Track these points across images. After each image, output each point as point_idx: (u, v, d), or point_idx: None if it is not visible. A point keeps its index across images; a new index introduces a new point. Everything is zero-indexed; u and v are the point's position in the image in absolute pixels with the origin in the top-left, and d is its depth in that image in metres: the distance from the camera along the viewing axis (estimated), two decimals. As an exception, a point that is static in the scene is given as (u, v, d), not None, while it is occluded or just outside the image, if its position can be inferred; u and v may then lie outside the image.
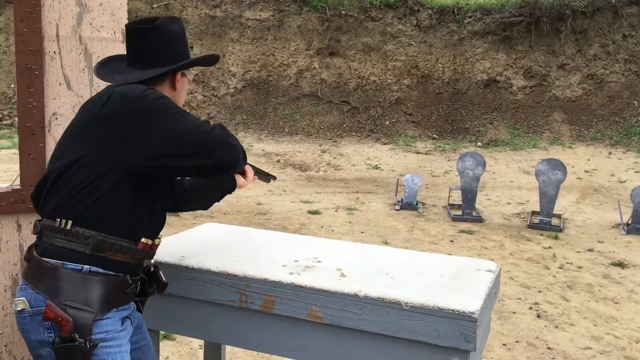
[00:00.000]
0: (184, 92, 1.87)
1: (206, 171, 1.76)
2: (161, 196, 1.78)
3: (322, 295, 1.81)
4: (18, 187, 2.14)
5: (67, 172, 1.61)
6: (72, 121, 1.72)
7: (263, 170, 2.20)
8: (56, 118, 2.15)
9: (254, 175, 2.06)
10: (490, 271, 2.07)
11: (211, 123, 1.70)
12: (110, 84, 1.74)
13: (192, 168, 1.69)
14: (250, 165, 2.04)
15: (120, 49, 2.16)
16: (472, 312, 1.66)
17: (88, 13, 2.16)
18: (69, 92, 2.16)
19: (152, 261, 1.86)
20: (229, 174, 1.87)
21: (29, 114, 2.11)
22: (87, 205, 1.60)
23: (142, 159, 1.60)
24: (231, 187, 1.91)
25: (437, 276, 1.98)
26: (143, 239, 1.70)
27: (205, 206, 2.03)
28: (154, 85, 1.72)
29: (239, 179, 1.93)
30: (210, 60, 1.95)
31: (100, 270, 1.61)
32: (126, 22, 2.19)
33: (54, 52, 2.13)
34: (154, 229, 1.77)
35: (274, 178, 2.33)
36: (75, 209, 1.59)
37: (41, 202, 1.66)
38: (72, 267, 1.58)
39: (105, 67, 1.83)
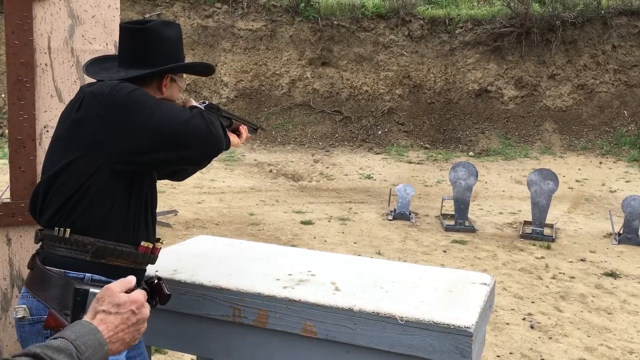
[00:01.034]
0: (173, 97, 1.81)
1: (189, 161, 1.73)
2: (153, 196, 1.76)
3: (316, 310, 1.79)
4: (8, 200, 2.12)
5: (58, 180, 1.60)
6: (55, 129, 1.71)
7: (248, 121, 2.17)
8: (47, 131, 2.13)
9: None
10: (485, 284, 2.06)
11: (190, 110, 1.66)
12: (86, 84, 1.72)
13: (174, 160, 1.66)
14: (234, 116, 2.02)
15: (113, 61, 2.15)
16: (467, 327, 1.65)
17: (80, 25, 2.14)
18: (61, 104, 2.15)
19: (155, 273, 1.84)
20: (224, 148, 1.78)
21: (20, 126, 2.09)
22: (81, 211, 1.59)
23: (123, 157, 1.58)
24: (225, 145, 1.85)
25: (431, 289, 1.97)
26: (143, 243, 1.68)
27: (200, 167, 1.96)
28: (141, 86, 1.68)
29: (233, 137, 1.90)
30: (202, 68, 1.91)
31: (103, 278, 1.59)
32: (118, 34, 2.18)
33: (46, 64, 2.11)
34: (152, 231, 1.75)
35: (262, 129, 2.33)
36: (70, 217, 1.59)
37: (38, 212, 1.65)
38: (74, 275, 1.58)
39: (96, 66, 1.81)
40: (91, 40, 2.17)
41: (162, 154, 1.61)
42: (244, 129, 1.97)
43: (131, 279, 1.19)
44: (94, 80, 1.74)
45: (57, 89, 2.14)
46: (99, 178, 1.58)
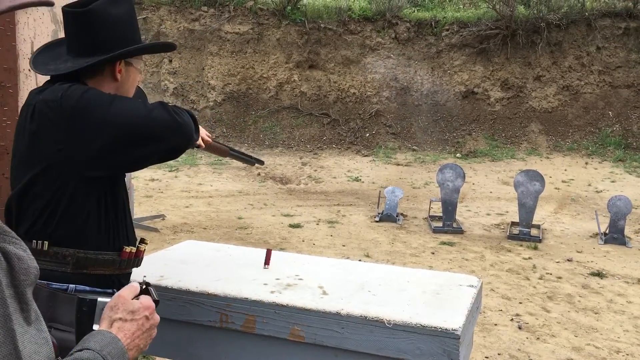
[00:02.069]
0: (131, 83, 1.68)
1: (161, 154, 1.59)
2: (126, 199, 1.69)
3: (303, 314, 1.79)
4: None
5: (28, 195, 1.54)
6: (14, 140, 1.60)
7: (247, 155, 2.19)
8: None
9: (239, 158, 2.03)
10: (472, 286, 2.07)
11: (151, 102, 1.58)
12: (36, 88, 1.62)
13: (144, 157, 1.56)
14: (233, 151, 2.01)
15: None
16: (454, 330, 1.65)
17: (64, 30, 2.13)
18: (44, 110, 2.13)
19: (143, 278, 1.81)
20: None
21: (3, 132, 2.07)
22: (55, 224, 1.53)
23: (88, 163, 1.50)
24: (195, 133, 1.74)
25: (419, 292, 1.98)
26: (126, 248, 1.62)
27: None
28: (93, 76, 1.58)
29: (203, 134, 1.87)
30: (158, 47, 1.78)
31: (87, 288, 1.55)
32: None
33: (29, 70, 2.09)
34: (132, 234, 1.69)
35: (261, 162, 2.30)
36: (46, 230, 1.54)
37: (13, 227, 1.60)
38: (57, 287, 1.53)
39: (45, 54, 1.67)
40: (75, 46, 2.15)
41: (129, 153, 1.52)
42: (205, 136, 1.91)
43: (135, 285, 1.20)
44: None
45: (40, 94, 2.12)
46: (68, 188, 1.51)
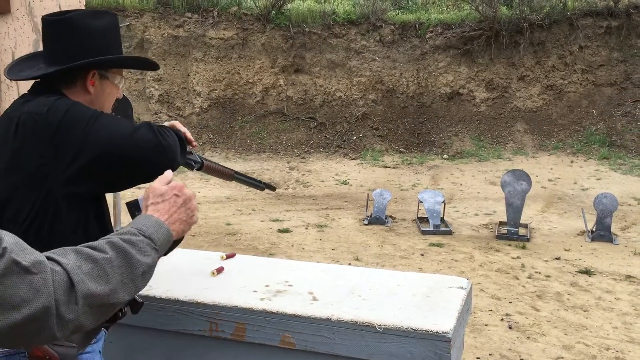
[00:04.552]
0: (107, 97, 1.62)
1: (141, 175, 1.56)
2: (108, 213, 1.66)
3: (294, 321, 1.78)
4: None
5: (7, 212, 1.49)
6: None
7: (254, 179, 2.16)
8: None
9: (246, 182, 2.02)
10: (462, 288, 2.07)
11: (136, 122, 1.55)
12: (20, 99, 1.57)
13: (125, 176, 1.53)
14: (239, 174, 2.00)
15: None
16: (445, 332, 1.65)
17: (45, 39, 2.10)
18: (27, 120, 2.10)
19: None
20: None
21: (-15, 144, 2.04)
22: (43, 243, 1.48)
23: (68, 180, 1.45)
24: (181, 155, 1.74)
25: (409, 295, 1.97)
26: None
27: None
28: (67, 86, 1.55)
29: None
30: (132, 61, 1.72)
31: None
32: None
33: (10, 81, 2.07)
34: None
35: (272, 188, 2.26)
36: (34, 247, 1.51)
37: None
38: None
39: (23, 63, 1.63)
40: (57, 55, 2.13)
41: (109, 172, 1.50)
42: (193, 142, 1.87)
43: (167, 174, 1.37)
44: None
45: (23, 105, 2.09)
46: (50, 204, 1.46)
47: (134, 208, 1.44)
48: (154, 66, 1.75)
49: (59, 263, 0.96)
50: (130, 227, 1.19)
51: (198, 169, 1.91)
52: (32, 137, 1.46)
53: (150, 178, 1.59)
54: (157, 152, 1.52)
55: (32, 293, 0.89)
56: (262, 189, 2.17)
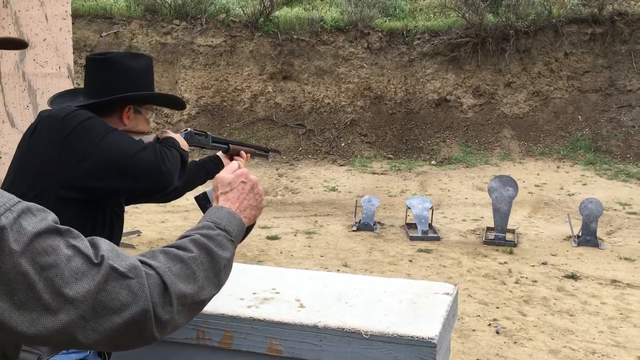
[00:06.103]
0: (138, 130, 1.77)
1: (134, 194, 1.71)
2: (115, 226, 1.72)
3: (281, 328, 1.78)
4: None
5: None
6: (16, 150, 1.68)
7: (261, 147, 2.22)
8: (0, 157, 2.08)
9: (252, 155, 2.11)
10: (448, 294, 2.09)
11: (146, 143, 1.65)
12: (47, 109, 1.72)
13: (119, 190, 1.64)
14: (246, 146, 2.05)
15: (66, 84, 2.12)
16: (431, 338, 1.66)
17: (31, 49, 2.11)
18: (13, 129, 2.10)
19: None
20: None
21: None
22: None
23: (65, 182, 1.56)
24: (217, 171, 1.91)
25: (396, 302, 1.99)
26: None
27: (195, 186, 2.06)
28: (103, 116, 1.67)
29: (232, 163, 1.94)
30: (167, 101, 1.86)
31: None
32: (71, 56, 2.15)
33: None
34: None
35: (276, 152, 2.34)
36: None
37: None
38: None
39: (65, 97, 1.80)
40: (43, 64, 2.13)
41: (105, 182, 1.58)
42: (244, 155, 2.01)
43: (234, 164, 1.42)
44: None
45: (8, 114, 2.09)
46: (43, 202, 1.53)
47: (204, 201, 1.50)
48: (182, 105, 1.91)
49: (151, 266, 0.99)
50: (205, 221, 1.20)
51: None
52: (46, 137, 1.58)
53: (141, 197, 1.74)
54: (154, 175, 1.63)
55: (131, 297, 0.92)
56: (267, 155, 2.27)
